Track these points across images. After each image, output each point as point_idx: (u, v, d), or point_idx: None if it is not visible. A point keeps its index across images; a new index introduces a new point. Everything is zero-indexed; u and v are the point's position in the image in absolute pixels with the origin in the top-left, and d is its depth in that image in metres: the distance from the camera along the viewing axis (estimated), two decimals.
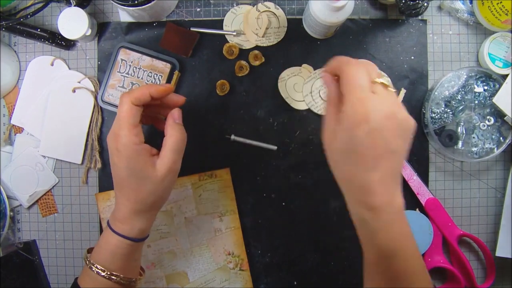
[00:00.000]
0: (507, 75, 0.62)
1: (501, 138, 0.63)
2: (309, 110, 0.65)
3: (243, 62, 0.64)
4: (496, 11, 0.60)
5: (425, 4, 0.61)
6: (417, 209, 0.65)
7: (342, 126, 0.43)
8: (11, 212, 0.66)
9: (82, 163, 0.66)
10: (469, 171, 0.66)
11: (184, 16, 0.66)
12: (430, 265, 0.64)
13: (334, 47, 0.65)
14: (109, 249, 0.49)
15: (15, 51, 0.67)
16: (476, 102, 0.63)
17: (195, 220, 0.65)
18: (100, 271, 0.49)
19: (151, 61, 0.64)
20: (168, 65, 0.64)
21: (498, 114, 0.63)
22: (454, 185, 0.66)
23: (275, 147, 0.65)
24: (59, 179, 0.67)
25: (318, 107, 0.64)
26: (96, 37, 0.66)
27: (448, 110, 0.63)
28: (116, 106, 0.64)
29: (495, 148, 0.63)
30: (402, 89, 0.64)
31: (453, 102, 0.63)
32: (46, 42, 0.64)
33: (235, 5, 0.65)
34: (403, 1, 0.60)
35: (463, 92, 0.63)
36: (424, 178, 0.65)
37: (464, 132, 0.63)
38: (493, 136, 0.63)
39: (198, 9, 0.66)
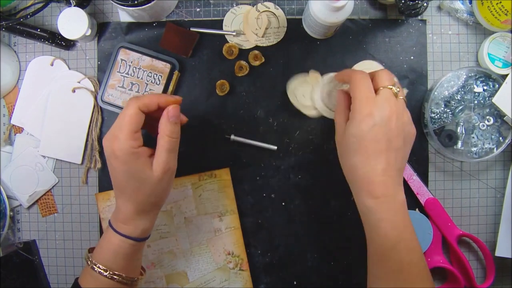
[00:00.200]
0: (506, 75, 0.62)
1: (500, 138, 0.63)
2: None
3: (243, 62, 0.64)
4: (496, 11, 0.60)
5: (425, 4, 0.61)
6: (417, 209, 0.65)
7: (350, 122, 0.48)
8: (11, 212, 0.66)
9: (82, 163, 0.66)
10: (469, 171, 0.66)
11: (184, 16, 0.66)
12: (429, 265, 0.64)
13: (334, 47, 0.65)
14: (111, 249, 0.50)
15: (15, 51, 0.67)
16: (476, 102, 0.63)
17: (195, 220, 0.65)
18: (102, 271, 0.49)
19: (151, 61, 0.64)
20: (168, 65, 0.64)
21: (498, 114, 0.63)
22: (454, 185, 0.66)
23: (275, 147, 0.65)
24: (59, 179, 0.67)
25: (329, 112, 0.60)
26: (96, 37, 0.66)
27: (448, 110, 0.63)
28: (116, 106, 0.64)
29: (495, 148, 0.63)
30: (405, 89, 0.64)
31: (453, 102, 0.63)
32: (46, 42, 0.64)
33: (234, 5, 0.65)
34: (403, 1, 0.60)
35: (462, 92, 0.63)
36: (424, 178, 0.65)
37: (464, 132, 0.63)
38: (493, 136, 0.63)
39: (198, 9, 0.66)
